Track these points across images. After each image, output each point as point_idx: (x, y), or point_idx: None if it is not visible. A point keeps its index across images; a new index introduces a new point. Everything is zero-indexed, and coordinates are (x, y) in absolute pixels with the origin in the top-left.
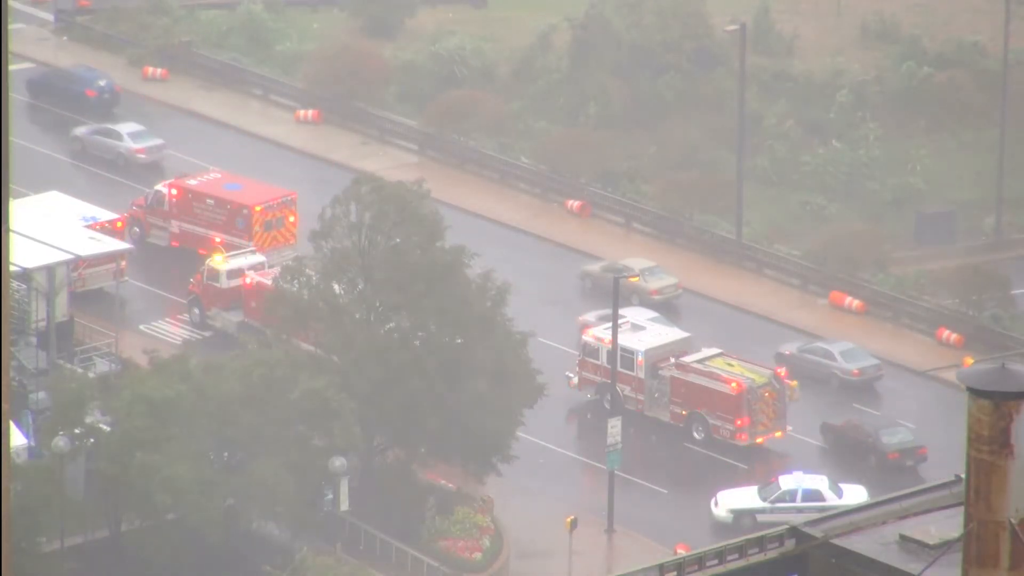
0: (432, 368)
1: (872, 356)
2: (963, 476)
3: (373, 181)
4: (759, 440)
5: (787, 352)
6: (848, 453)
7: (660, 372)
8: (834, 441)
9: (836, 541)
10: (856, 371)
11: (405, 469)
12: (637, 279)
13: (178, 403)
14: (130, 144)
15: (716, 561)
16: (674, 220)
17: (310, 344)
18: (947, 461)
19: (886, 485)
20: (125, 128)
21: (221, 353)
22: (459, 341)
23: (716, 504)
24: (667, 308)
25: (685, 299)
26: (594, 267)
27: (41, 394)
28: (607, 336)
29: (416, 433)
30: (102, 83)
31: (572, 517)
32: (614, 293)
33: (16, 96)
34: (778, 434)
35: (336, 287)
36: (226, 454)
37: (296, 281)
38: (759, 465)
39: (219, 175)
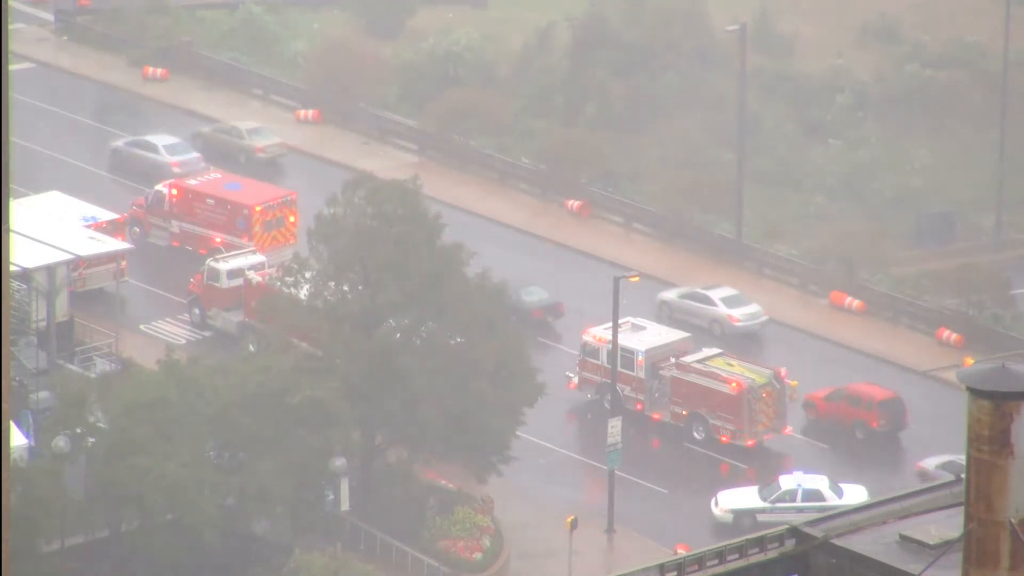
0: (433, 367)
1: None
2: (963, 476)
3: (370, 180)
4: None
5: None
6: None
7: (660, 372)
8: None
9: (836, 541)
10: None
11: (406, 469)
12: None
13: (173, 404)
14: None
15: (716, 561)
16: (674, 220)
17: (309, 343)
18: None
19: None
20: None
21: (221, 353)
22: (459, 340)
23: (716, 504)
24: (273, 168)
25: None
26: (206, 128)
27: (41, 394)
28: (607, 336)
29: (418, 432)
30: None
31: (572, 517)
32: (614, 294)
33: None
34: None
35: (334, 286)
36: (226, 454)
37: (295, 281)
38: (759, 465)
39: (219, 175)
